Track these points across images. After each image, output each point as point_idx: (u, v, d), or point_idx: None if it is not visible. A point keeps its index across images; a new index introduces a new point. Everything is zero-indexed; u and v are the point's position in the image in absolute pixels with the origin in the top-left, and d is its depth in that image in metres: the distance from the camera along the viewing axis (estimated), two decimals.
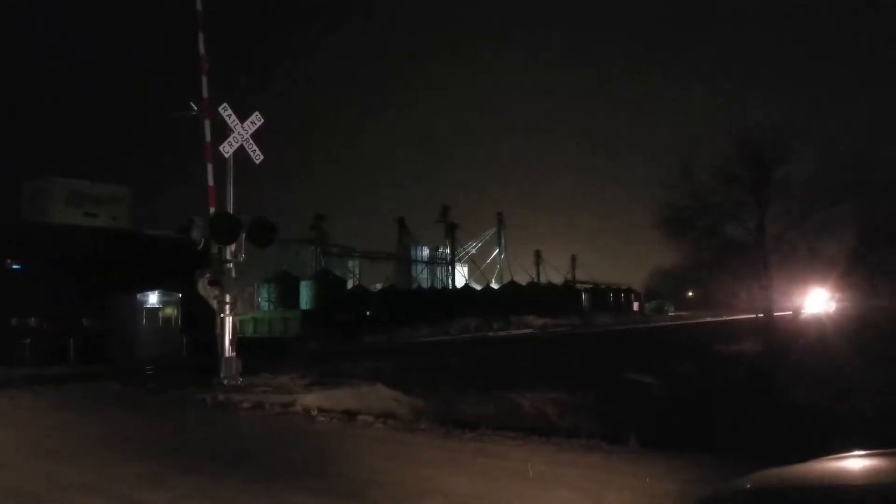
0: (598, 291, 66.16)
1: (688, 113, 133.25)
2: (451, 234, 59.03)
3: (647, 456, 6.88)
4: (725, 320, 40.37)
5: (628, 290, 70.27)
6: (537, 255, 65.36)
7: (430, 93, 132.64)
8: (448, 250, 60.14)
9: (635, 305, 69.64)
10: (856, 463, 2.33)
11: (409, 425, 9.21)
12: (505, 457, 7.06)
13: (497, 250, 66.81)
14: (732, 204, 28.11)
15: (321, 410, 10.10)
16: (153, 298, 24.66)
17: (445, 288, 57.54)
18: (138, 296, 24.42)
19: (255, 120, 14.68)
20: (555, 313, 48.52)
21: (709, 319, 47.85)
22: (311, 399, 11.18)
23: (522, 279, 60.91)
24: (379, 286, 52.45)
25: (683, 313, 64.87)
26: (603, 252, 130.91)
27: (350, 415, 9.75)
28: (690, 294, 64.58)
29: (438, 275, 61.07)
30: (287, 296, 44.60)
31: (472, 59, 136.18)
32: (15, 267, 40.19)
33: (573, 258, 69.88)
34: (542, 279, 63.51)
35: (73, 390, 14.12)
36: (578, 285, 66.39)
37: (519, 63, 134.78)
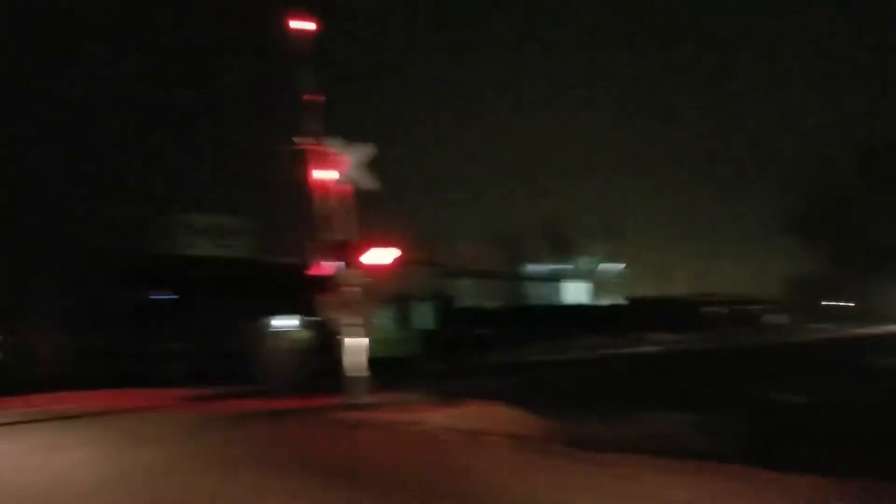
0: (728, 304, 62.56)
1: (818, 103, 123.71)
2: (566, 248, 58.22)
3: (798, 483, 6.36)
4: (882, 332, 36.81)
5: (762, 302, 65.90)
6: (660, 267, 63.00)
7: (540, 102, 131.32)
8: (563, 266, 59.31)
9: (770, 318, 65.16)
10: None
11: (536, 445, 9.07)
12: (639, 480, 6.78)
13: (615, 264, 65.06)
14: (881, 203, 25.78)
15: (448, 429, 10.17)
16: (285, 322, 26.01)
17: (562, 305, 56.71)
18: (271, 319, 25.84)
19: (368, 149, 15.37)
20: (681, 328, 46.43)
21: (860, 332, 43.81)
22: (437, 418, 11.30)
23: (644, 293, 58.88)
24: (493, 305, 52.54)
25: (827, 326, 59.91)
26: (732, 262, 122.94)
27: (477, 434, 9.74)
28: (833, 304, 59.61)
29: (554, 292, 60.31)
30: (404, 316, 45.67)
31: (584, 64, 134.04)
32: (159, 297, 43.92)
33: (699, 270, 66.59)
34: (666, 293, 61.04)
35: (218, 409, 15.21)
36: (706, 298, 63.14)
37: (636, 66, 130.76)
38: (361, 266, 14.96)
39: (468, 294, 56.75)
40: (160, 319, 40.29)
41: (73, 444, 10.70)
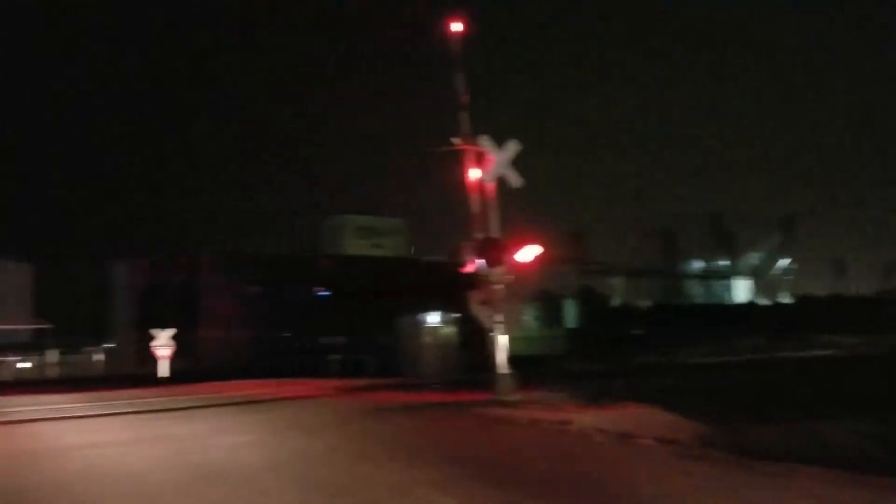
0: None
1: None
2: (728, 244, 54.53)
3: None
4: None
5: None
6: (840, 262, 57.00)
7: (695, 91, 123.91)
8: (725, 262, 55.63)
9: None
10: None
11: (693, 452, 8.52)
12: (819, 497, 6.13)
13: (785, 259, 59.85)
14: None
15: (597, 430, 9.88)
16: (433, 318, 26.67)
17: (723, 304, 53.21)
18: (420, 316, 26.62)
19: (513, 147, 15.52)
20: (866, 330, 41.73)
21: None
22: (585, 418, 11.01)
23: (820, 291, 53.67)
24: (646, 304, 50.47)
25: None
26: None
27: (628, 437, 9.37)
28: None
29: (715, 290, 56.74)
30: (551, 314, 45.20)
31: (736, 52, 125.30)
32: (321, 293, 46.97)
33: (889, 265, 59.27)
34: (848, 290, 55.16)
35: (373, 400, 16.05)
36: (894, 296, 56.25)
37: (816, 56, 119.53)
38: (506, 263, 14.99)
39: (621, 292, 55.02)
40: (318, 315, 43.06)
41: (243, 429, 11.71)
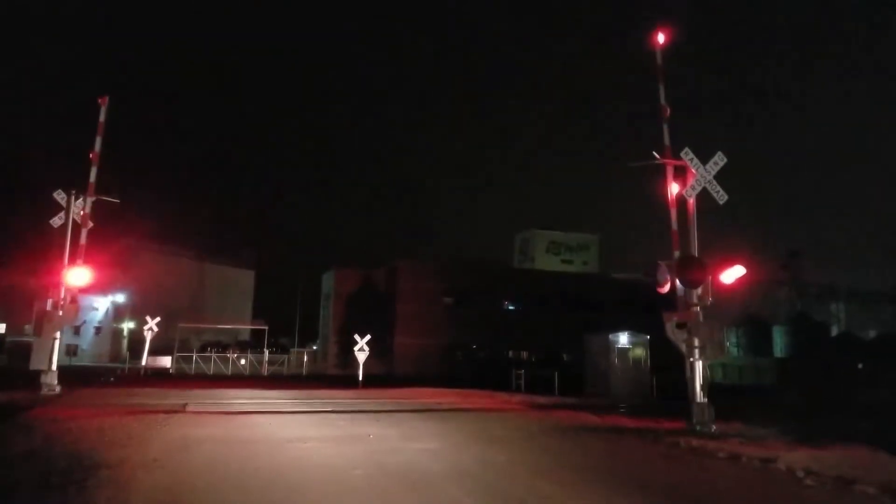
0: None
1: None
2: None
3: None
4: None
5: None
6: None
7: None
8: None
9: None
10: None
11: None
12: None
13: None
14: None
15: (808, 472, 8.85)
16: (623, 339, 25.76)
17: None
18: (609, 335, 25.84)
19: (718, 160, 14.53)
20: None
21: None
22: (794, 457, 9.93)
23: None
24: (872, 334, 44.43)
25: None
26: None
27: (845, 482, 8.28)
28: None
29: None
30: (757, 342, 41.56)
31: None
32: (509, 307, 47.52)
33: None
34: None
35: (556, 418, 15.85)
36: None
37: None
38: (707, 284, 14.01)
39: (842, 319, 49.03)
40: (506, 327, 43.51)
41: (429, 435, 12.15)
